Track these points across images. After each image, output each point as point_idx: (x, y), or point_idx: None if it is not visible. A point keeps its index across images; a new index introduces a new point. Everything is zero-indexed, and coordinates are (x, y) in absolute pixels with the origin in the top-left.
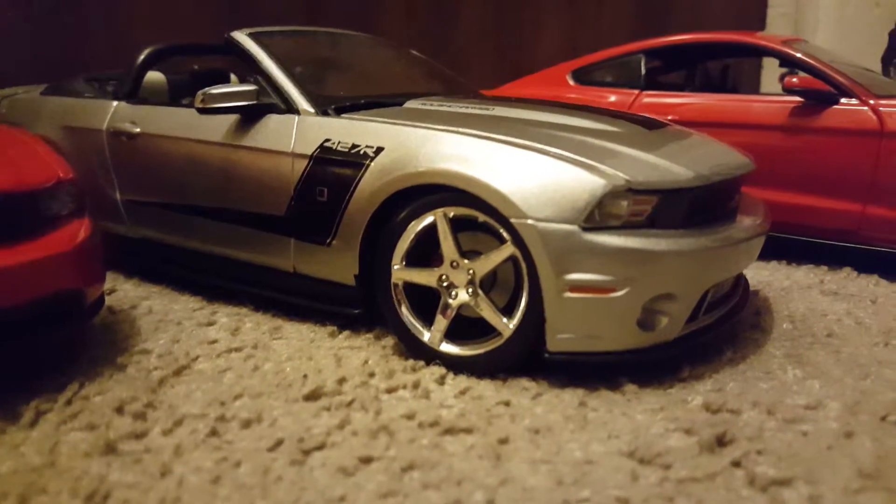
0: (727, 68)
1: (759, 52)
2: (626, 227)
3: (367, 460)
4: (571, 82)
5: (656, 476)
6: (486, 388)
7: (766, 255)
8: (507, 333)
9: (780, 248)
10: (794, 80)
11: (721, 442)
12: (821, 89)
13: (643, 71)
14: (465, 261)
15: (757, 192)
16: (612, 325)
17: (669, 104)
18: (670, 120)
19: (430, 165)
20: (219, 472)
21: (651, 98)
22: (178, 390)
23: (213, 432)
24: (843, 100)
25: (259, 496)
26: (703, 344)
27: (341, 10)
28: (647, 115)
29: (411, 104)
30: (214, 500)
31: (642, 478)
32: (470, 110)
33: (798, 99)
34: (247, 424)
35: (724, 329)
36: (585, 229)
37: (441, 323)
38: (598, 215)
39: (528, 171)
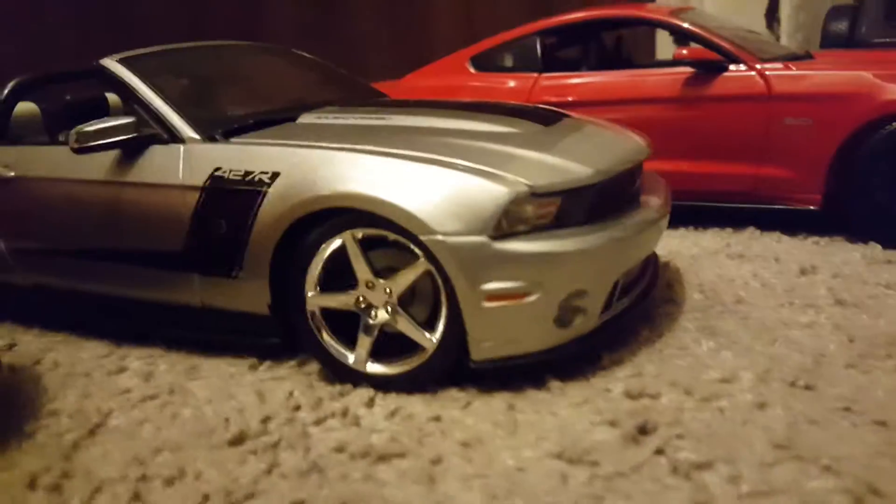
0: (620, 40)
1: (649, 25)
2: (534, 230)
3: None
4: (471, 69)
5: (585, 475)
6: (416, 405)
7: (675, 222)
8: (431, 347)
9: (687, 214)
10: (684, 51)
11: (643, 431)
12: (709, 58)
13: (540, 53)
14: (381, 280)
15: (660, 164)
16: (530, 328)
17: (567, 85)
18: (570, 101)
19: (330, 189)
20: None
21: (549, 80)
22: (94, 452)
23: (136, 496)
24: (731, 66)
25: None
26: (621, 328)
27: (227, 4)
28: (543, 108)
29: (305, 119)
30: None
31: (572, 478)
32: (366, 122)
33: (689, 69)
34: (170, 482)
35: (639, 309)
36: (494, 238)
37: (364, 344)
38: (505, 223)
39: (432, 186)
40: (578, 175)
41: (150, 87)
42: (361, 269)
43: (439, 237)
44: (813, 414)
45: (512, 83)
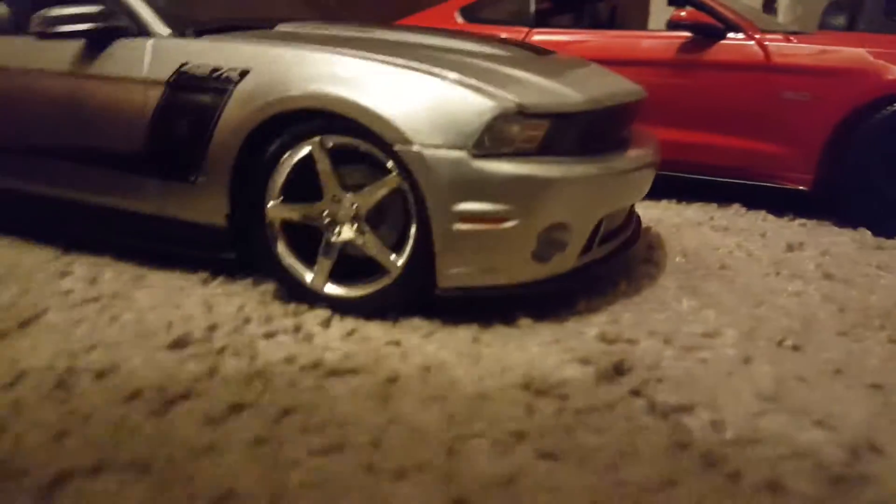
0: (615, 8)
1: None
2: (518, 153)
3: (238, 407)
4: (460, 20)
5: (553, 407)
6: (375, 329)
7: (657, 194)
8: (395, 271)
9: (670, 187)
10: (682, 13)
11: (619, 371)
12: (708, 23)
13: (533, 8)
14: (348, 195)
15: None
16: (505, 258)
17: (560, 41)
18: None
19: (302, 89)
20: (64, 426)
21: (541, 35)
22: (22, 344)
23: (60, 385)
24: (729, 34)
25: (111, 449)
26: (598, 277)
27: None
28: (534, 45)
29: (283, 27)
30: (58, 457)
31: (538, 410)
32: (348, 33)
33: (686, 34)
34: (100, 376)
35: (617, 263)
36: (475, 156)
37: (324, 263)
38: (487, 141)
39: (412, 94)
40: (570, 100)
41: None
42: (328, 181)
43: (415, 148)
44: (802, 373)
45: (502, 36)
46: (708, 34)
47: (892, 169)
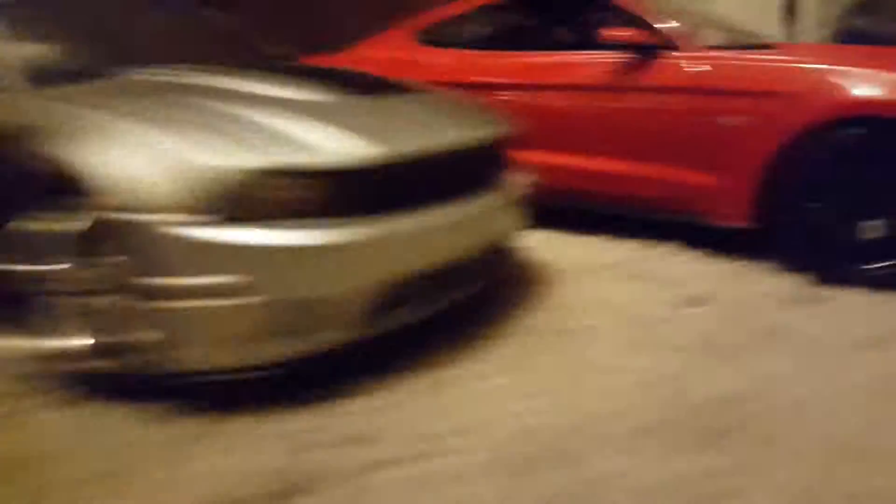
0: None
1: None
2: (272, 217)
3: None
4: (416, 42)
5: None
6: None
7: (589, 227)
8: (111, 349)
9: (606, 221)
10: (611, 31)
11: (295, 490)
12: (636, 42)
13: (483, 29)
14: (66, 262)
15: (571, 159)
16: (243, 337)
17: (494, 64)
18: (493, 81)
19: (48, 147)
20: None
21: (480, 59)
22: None
23: None
24: (664, 52)
25: None
26: (394, 347)
27: None
28: (391, 79)
29: (124, 74)
30: None
31: None
32: (160, 79)
33: (617, 53)
34: None
35: (442, 323)
36: (212, 222)
37: (38, 332)
38: (228, 205)
39: (144, 152)
40: (348, 157)
41: None
42: (46, 245)
43: (139, 214)
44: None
45: (449, 59)
46: (638, 53)
47: (842, 205)
